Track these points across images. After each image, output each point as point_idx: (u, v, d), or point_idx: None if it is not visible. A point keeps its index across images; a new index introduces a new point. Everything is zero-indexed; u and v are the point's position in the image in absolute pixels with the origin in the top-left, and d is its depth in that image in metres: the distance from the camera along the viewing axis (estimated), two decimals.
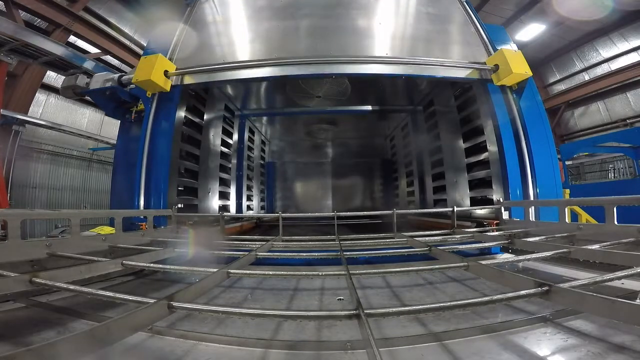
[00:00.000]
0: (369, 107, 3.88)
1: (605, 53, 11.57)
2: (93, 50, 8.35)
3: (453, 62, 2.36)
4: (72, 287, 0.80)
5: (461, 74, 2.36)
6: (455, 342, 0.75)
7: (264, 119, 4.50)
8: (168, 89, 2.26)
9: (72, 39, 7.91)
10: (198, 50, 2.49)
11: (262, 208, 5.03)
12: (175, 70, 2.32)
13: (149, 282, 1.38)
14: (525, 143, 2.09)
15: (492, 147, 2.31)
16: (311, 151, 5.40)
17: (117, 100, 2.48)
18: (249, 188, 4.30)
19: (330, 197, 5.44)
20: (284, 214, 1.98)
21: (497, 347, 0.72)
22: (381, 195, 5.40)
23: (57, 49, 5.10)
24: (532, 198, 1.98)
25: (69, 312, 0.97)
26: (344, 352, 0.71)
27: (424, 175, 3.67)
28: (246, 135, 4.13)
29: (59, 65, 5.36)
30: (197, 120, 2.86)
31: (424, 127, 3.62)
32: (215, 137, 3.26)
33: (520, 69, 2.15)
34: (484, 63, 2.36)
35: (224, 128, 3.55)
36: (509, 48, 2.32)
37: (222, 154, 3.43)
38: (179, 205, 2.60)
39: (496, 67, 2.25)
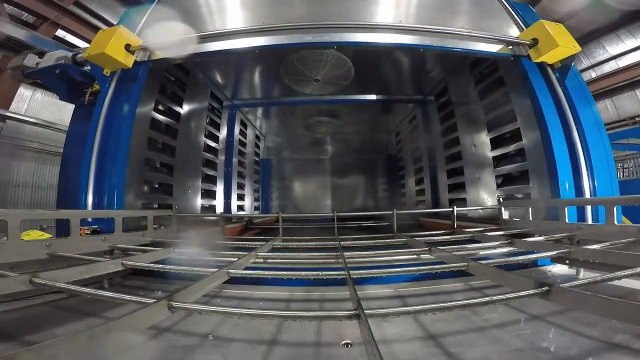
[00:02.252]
0: (374, 97, 3.48)
1: (613, 50, 11.27)
2: (84, 45, 7.98)
3: (481, 34, 1.97)
4: (72, 287, 0.80)
5: (491, 48, 2.00)
6: None
7: (259, 111, 4.09)
8: (130, 65, 1.87)
9: (62, 34, 7.58)
10: (172, 22, 2.09)
11: (256, 209, 4.62)
12: (142, 44, 1.92)
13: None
14: (577, 129, 1.69)
15: (530, 136, 1.94)
16: (310, 147, 5.01)
17: (70, 81, 2.08)
18: (241, 187, 3.88)
19: (330, 197, 5.08)
20: (284, 215, 1.95)
21: None
22: (386, 195, 5.02)
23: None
24: (587, 194, 1.62)
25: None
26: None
27: (437, 172, 3.26)
28: (237, 128, 3.71)
29: (14, 48, 4.86)
30: (174, 107, 2.45)
31: (437, 118, 3.22)
32: (197, 127, 2.85)
33: (567, 43, 1.81)
34: (517, 37, 2.02)
35: (211, 119, 3.14)
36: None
37: (207, 147, 3.03)
38: (156, 206, 2.23)
39: (534, 41, 1.91)
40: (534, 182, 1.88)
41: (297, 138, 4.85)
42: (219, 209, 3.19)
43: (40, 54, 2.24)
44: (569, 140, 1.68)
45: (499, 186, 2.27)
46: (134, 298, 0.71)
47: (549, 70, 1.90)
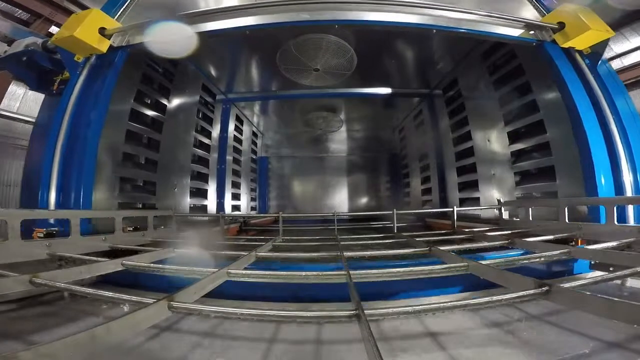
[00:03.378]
0: (377, 90, 3.26)
1: (617, 48, 11.05)
2: None
3: (501, 15, 1.78)
4: (72, 287, 0.80)
5: (511, 32, 1.81)
6: None
7: (256, 107, 3.88)
8: (104, 50, 1.68)
9: (56, 30, 7.42)
10: (153, 4, 1.90)
11: (253, 209, 4.41)
12: (118, 27, 1.73)
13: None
14: (614, 119, 1.49)
15: (556, 128, 1.74)
16: (309, 145, 4.80)
17: (39, 69, 1.88)
18: (236, 185, 3.67)
19: (330, 197, 4.87)
20: (284, 215, 1.96)
21: None
22: (388, 194, 4.81)
23: None
24: (628, 190, 1.42)
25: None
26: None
27: (445, 170, 3.05)
28: (232, 123, 3.50)
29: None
30: (159, 98, 2.25)
31: (445, 112, 3.02)
32: (187, 122, 2.65)
33: (600, 27, 1.63)
34: (541, 21, 1.83)
35: (203, 113, 2.93)
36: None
37: (198, 143, 2.81)
38: (139, 205, 2.03)
39: (561, 25, 1.72)
40: (561, 179, 1.68)
41: (296, 135, 4.63)
42: (211, 208, 2.98)
43: (10, 42, 2.03)
44: (605, 132, 1.48)
45: (517, 184, 2.06)
46: (134, 298, 0.70)
47: (578, 56, 1.71)
